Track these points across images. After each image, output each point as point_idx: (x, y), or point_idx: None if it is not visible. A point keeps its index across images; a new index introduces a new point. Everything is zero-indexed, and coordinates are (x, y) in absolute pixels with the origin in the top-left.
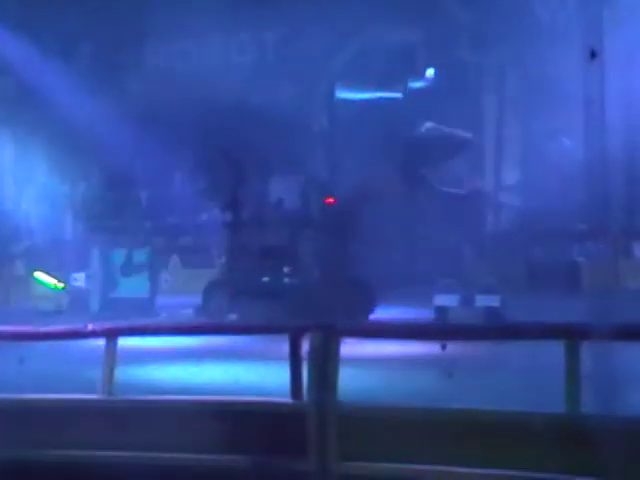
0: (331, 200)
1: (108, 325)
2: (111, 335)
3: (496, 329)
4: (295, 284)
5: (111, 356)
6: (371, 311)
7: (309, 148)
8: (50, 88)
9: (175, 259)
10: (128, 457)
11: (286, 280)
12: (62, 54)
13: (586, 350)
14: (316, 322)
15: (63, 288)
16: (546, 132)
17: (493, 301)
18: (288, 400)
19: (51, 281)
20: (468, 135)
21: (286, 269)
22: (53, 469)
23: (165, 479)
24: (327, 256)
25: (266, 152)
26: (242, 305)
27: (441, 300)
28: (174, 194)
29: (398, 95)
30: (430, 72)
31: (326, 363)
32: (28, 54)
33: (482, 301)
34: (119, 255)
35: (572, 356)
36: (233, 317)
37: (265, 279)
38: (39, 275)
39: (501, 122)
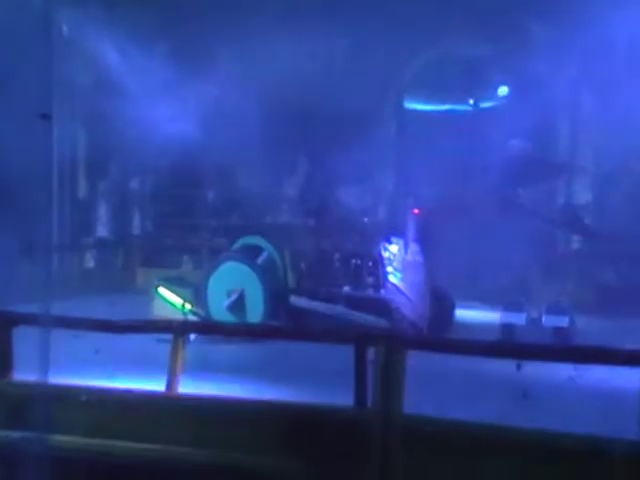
0: (417, 211)
1: (181, 321)
2: (181, 331)
3: (571, 351)
4: (377, 293)
5: (177, 352)
6: (451, 323)
7: (380, 158)
8: (127, 86)
9: None
10: (186, 453)
11: (368, 290)
12: (139, 55)
13: None
14: (383, 332)
15: (191, 311)
16: (620, 152)
17: (561, 321)
18: (352, 406)
19: (176, 300)
20: (564, 159)
21: (369, 279)
22: (116, 460)
23: (222, 478)
24: (411, 266)
25: (337, 160)
26: (322, 320)
27: (508, 317)
28: (239, 196)
29: (468, 108)
30: (503, 89)
31: (391, 373)
32: (108, 52)
33: (550, 321)
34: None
35: None
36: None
37: (346, 288)
38: (163, 291)
39: (574, 141)
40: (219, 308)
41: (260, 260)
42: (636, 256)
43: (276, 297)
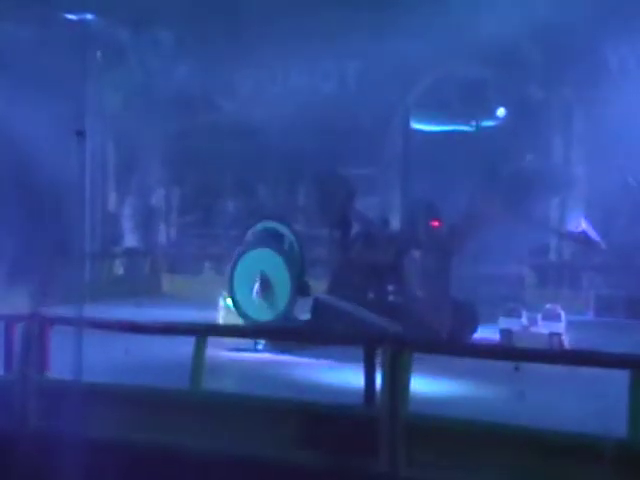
0: (436, 223)
1: (201, 324)
2: (201, 333)
3: (563, 354)
4: (399, 302)
5: (200, 352)
6: (473, 330)
7: (392, 173)
8: (151, 101)
9: None
10: (209, 446)
11: (390, 297)
12: (161, 74)
13: None
14: (390, 335)
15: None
16: (610, 169)
17: (556, 327)
18: (361, 405)
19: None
20: (571, 172)
21: (391, 287)
22: (142, 449)
23: (243, 470)
24: (431, 276)
25: (353, 173)
26: (348, 319)
27: (505, 323)
28: (258, 206)
29: (470, 129)
30: (501, 111)
31: (397, 373)
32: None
33: (545, 326)
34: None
35: (637, 386)
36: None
37: (370, 295)
38: (229, 301)
39: (568, 160)
40: (245, 294)
41: (286, 246)
42: (624, 266)
43: (299, 285)
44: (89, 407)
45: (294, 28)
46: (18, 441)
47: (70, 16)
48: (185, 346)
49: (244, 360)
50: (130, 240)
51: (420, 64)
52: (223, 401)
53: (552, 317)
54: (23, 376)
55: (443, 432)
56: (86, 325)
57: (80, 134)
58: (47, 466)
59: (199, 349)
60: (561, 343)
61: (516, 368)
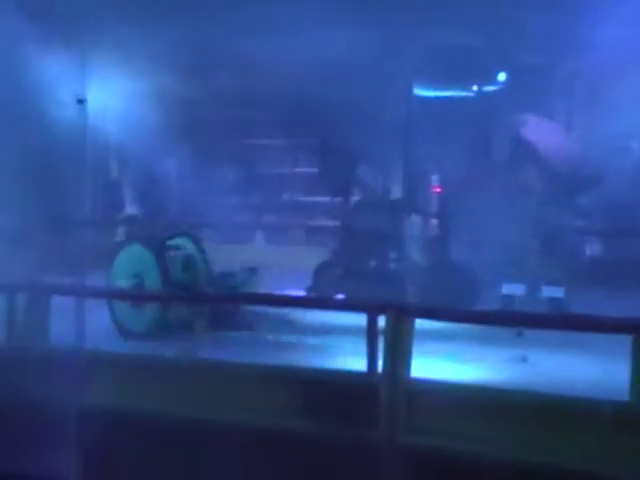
0: (438, 189)
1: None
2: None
3: (564, 319)
4: (401, 268)
5: None
6: (475, 296)
7: (393, 140)
8: (151, 72)
9: (260, 235)
10: (205, 414)
11: (392, 264)
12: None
13: None
14: (392, 301)
15: None
16: (613, 135)
17: (557, 292)
18: (362, 372)
19: None
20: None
21: (393, 254)
22: (135, 417)
23: (239, 438)
24: (433, 242)
25: (355, 142)
26: (350, 286)
27: (508, 289)
28: (258, 175)
29: (471, 94)
30: (502, 76)
31: (399, 340)
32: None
33: (547, 292)
34: None
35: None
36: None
37: (372, 263)
38: None
39: (569, 125)
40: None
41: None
42: (621, 231)
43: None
44: (88, 375)
45: None
46: (16, 410)
47: None
48: None
49: None
50: (131, 208)
51: (418, 32)
52: (217, 368)
53: (553, 282)
54: (24, 346)
55: (445, 398)
56: (86, 294)
57: (81, 102)
58: (43, 434)
59: None
60: (562, 308)
61: (519, 334)
